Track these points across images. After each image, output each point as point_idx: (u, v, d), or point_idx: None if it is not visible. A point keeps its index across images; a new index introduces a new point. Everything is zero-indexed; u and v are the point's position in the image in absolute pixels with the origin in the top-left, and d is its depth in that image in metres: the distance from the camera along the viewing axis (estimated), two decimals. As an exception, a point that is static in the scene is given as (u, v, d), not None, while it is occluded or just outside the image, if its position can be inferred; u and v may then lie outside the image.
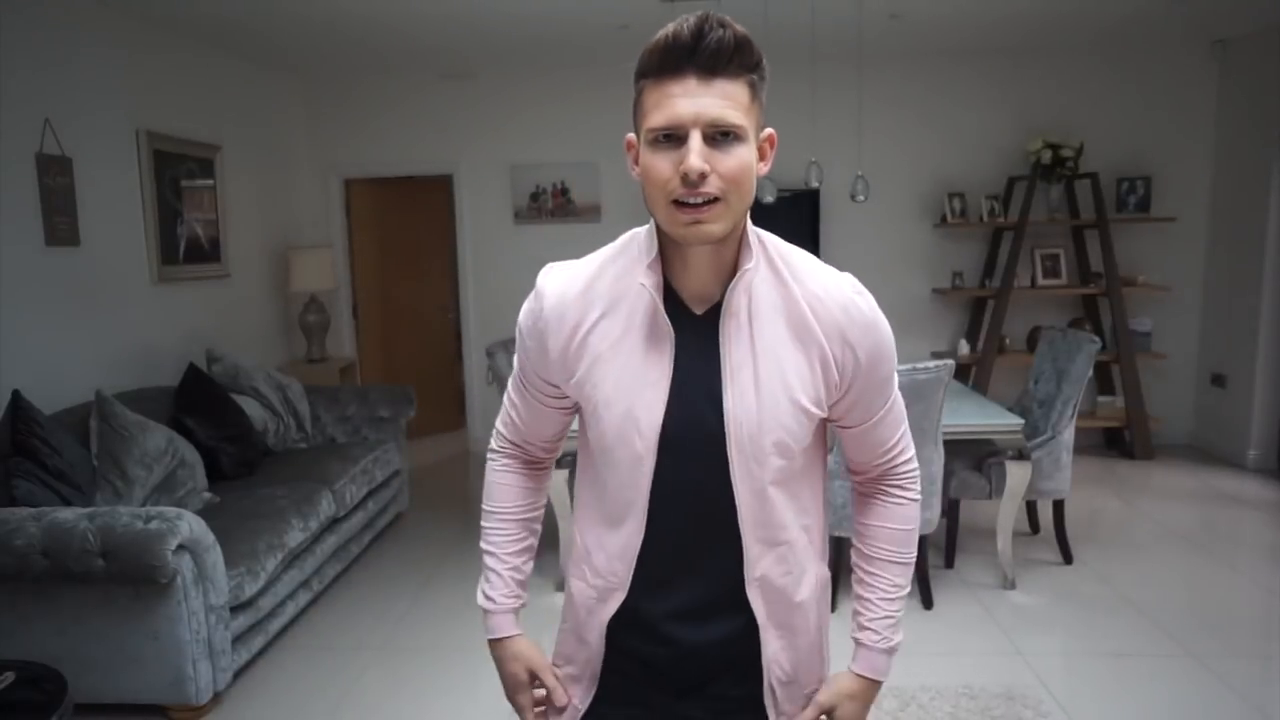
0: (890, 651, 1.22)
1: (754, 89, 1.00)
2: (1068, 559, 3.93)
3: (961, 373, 5.24)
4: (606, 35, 4.94)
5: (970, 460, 3.81)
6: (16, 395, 3.04)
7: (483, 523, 1.33)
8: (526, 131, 5.92)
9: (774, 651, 1.18)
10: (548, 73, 5.84)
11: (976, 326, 5.86)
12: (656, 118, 0.98)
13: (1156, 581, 3.73)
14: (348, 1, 4.16)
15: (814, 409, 1.09)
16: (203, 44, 4.85)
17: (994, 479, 3.72)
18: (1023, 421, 3.59)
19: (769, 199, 4.64)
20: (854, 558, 1.25)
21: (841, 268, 1.17)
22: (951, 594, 3.63)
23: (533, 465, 1.33)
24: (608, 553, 1.17)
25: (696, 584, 1.16)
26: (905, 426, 1.22)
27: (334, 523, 3.79)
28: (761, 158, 1.04)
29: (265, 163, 5.53)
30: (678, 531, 1.13)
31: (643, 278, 1.07)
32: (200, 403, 3.90)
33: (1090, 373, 3.85)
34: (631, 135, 1.05)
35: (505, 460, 1.32)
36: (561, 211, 5.98)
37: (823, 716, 1.22)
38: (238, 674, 3.00)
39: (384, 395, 4.73)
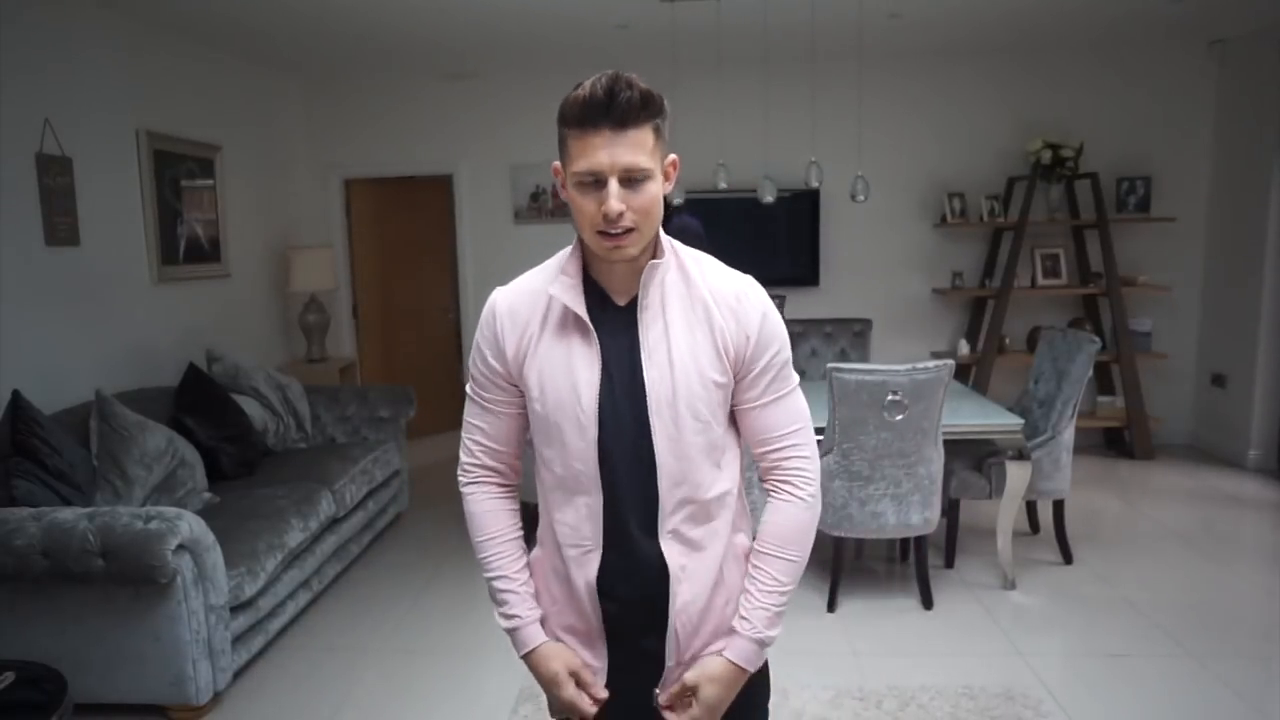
0: (761, 643, 1.32)
1: (658, 131, 1.22)
2: (1068, 559, 3.93)
3: (961, 373, 5.24)
4: (606, 35, 4.94)
5: (970, 460, 3.81)
6: (16, 395, 3.05)
7: (478, 554, 1.41)
8: (526, 131, 5.92)
9: (682, 603, 1.31)
10: (548, 73, 5.83)
11: (976, 326, 5.86)
12: (580, 164, 1.19)
13: (1156, 581, 3.73)
14: (348, 1, 4.16)
15: (720, 378, 1.29)
16: (203, 44, 4.85)
17: (994, 479, 3.72)
18: (1023, 421, 3.59)
19: (769, 199, 4.65)
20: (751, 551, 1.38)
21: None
22: (951, 594, 3.63)
23: (505, 489, 1.44)
24: (577, 516, 1.32)
25: (634, 542, 1.31)
26: (804, 427, 1.36)
27: (334, 523, 3.79)
28: (666, 179, 1.26)
29: (265, 163, 5.53)
30: (625, 490, 1.30)
31: (553, 289, 1.29)
32: (200, 403, 3.90)
33: (1090, 373, 3.84)
34: (558, 164, 1.26)
35: (480, 488, 1.42)
36: (561, 211, 5.98)
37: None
38: (238, 674, 3.00)
39: (384, 395, 4.72)
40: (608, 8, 4.40)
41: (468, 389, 1.40)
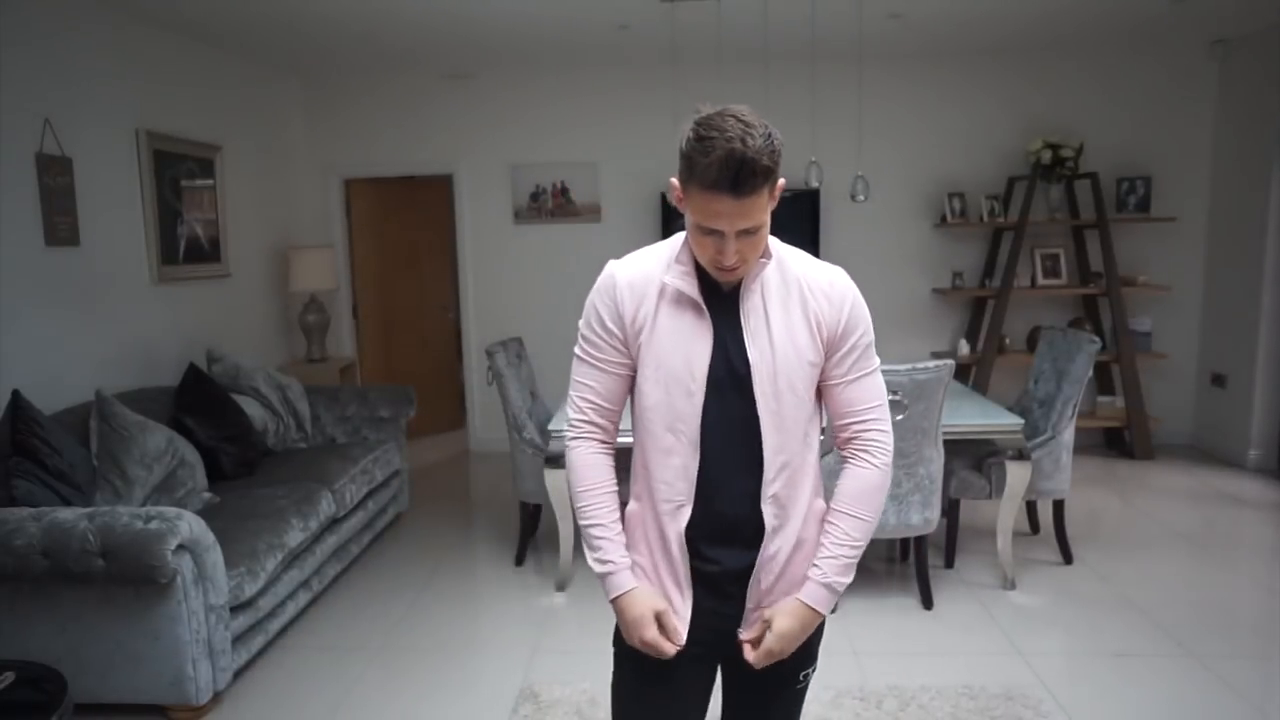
0: (830, 587, 1.46)
1: (771, 185, 1.32)
2: (1068, 559, 3.93)
3: (961, 373, 5.24)
4: (606, 35, 4.94)
5: (970, 460, 3.81)
6: (16, 395, 3.04)
7: (577, 503, 1.52)
8: (526, 131, 5.92)
9: (768, 555, 1.46)
10: (548, 73, 5.84)
11: (976, 326, 5.86)
12: (702, 219, 1.33)
13: (1156, 581, 3.73)
14: (348, 2, 4.16)
15: (813, 358, 1.44)
16: (203, 44, 4.85)
17: (994, 479, 3.72)
18: (1023, 421, 3.59)
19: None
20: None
21: (842, 267, 1.48)
22: (951, 594, 3.63)
23: (606, 445, 1.55)
24: (673, 474, 1.45)
25: (726, 501, 1.46)
26: (883, 404, 1.50)
27: (334, 523, 3.79)
28: (772, 198, 1.36)
29: (265, 163, 5.53)
30: (719, 454, 1.44)
31: (668, 277, 1.44)
32: (200, 403, 3.90)
33: (1090, 373, 3.84)
34: (675, 181, 1.38)
35: (586, 443, 1.54)
36: (561, 211, 5.98)
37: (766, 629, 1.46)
38: (238, 674, 3.00)
39: (384, 395, 4.72)
40: (608, 8, 4.40)
41: (576, 351, 1.52)
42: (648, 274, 1.47)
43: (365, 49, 5.15)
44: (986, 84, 5.73)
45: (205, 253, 4.80)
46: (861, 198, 4.64)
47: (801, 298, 1.44)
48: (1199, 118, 5.65)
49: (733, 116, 1.28)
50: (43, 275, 3.62)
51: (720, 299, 1.45)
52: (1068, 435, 3.83)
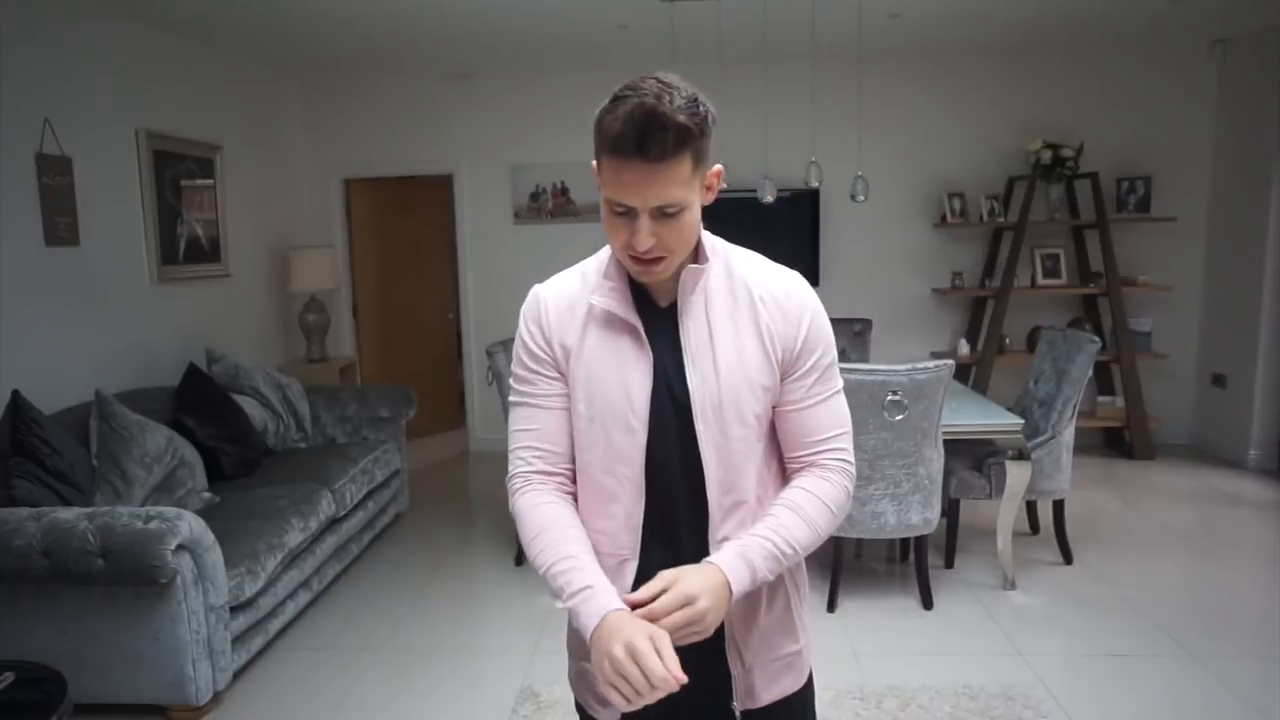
0: (749, 563, 1.16)
1: (697, 156, 1.14)
2: (1068, 559, 3.93)
3: (961, 373, 5.24)
4: (606, 35, 4.94)
5: (970, 460, 3.80)
6: (16, 395, 3.04)
7: (533, 551, 1.23)
8: (526, 131, 5.92)
9: (735, 613, 1.24)
10: (548, 73, 5.84)
11: (976, 326, 5.86)
12: (611, 193, 1.15)
13: (1156, 581, 3.73)
14: (348, 2, 4.16)
15: (767, 381, 1.24)
16: (203, 44, 4.85)
17: (994, 479, 3.72)
18: (1023, 421, 3.59)
19: (769, 199, 4.64)
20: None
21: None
22: (951, 594, 3.63)
23: (563, 492, 1.28)
24: (614, 524, 1.25)
25: (671, 550, 1.25)
26: (847, 432, 1.29)
27: (334, 523, 3.79)
28: (709, 190, 1.20)
29: (265, 163, 5.53)
30: (668, 498, 1.25)
31: (595, 297, 1.25)
32: (200, 403, 3.90)
33: (1090, 373, 3.85)
34: (595, 163, 1.19)
35: (534, 491, 1.27)
36: (561, 211, 5.98)
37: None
38: (238, 674, 3.00)
39: (384, 395, 4.72)
40: (608, 8, 4.40)
41: (510, 396, 1.32)
42: (574, 294, 1.28)
43: (365, 49, 5.15)
44: (986, 84, 5.73)
45: (205, 253, 4.80)
46: (861, 198, 4.64)
47: (752, 309, 1.24)
48: (1199, 118, 5.65)
49: (654, 79, 1.13)
50: (43, 275, 3.62)
51: (659, 316, 1.25)
52: (1068, 435, 3.83)
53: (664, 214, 1.14)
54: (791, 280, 1.29)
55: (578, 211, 5.95)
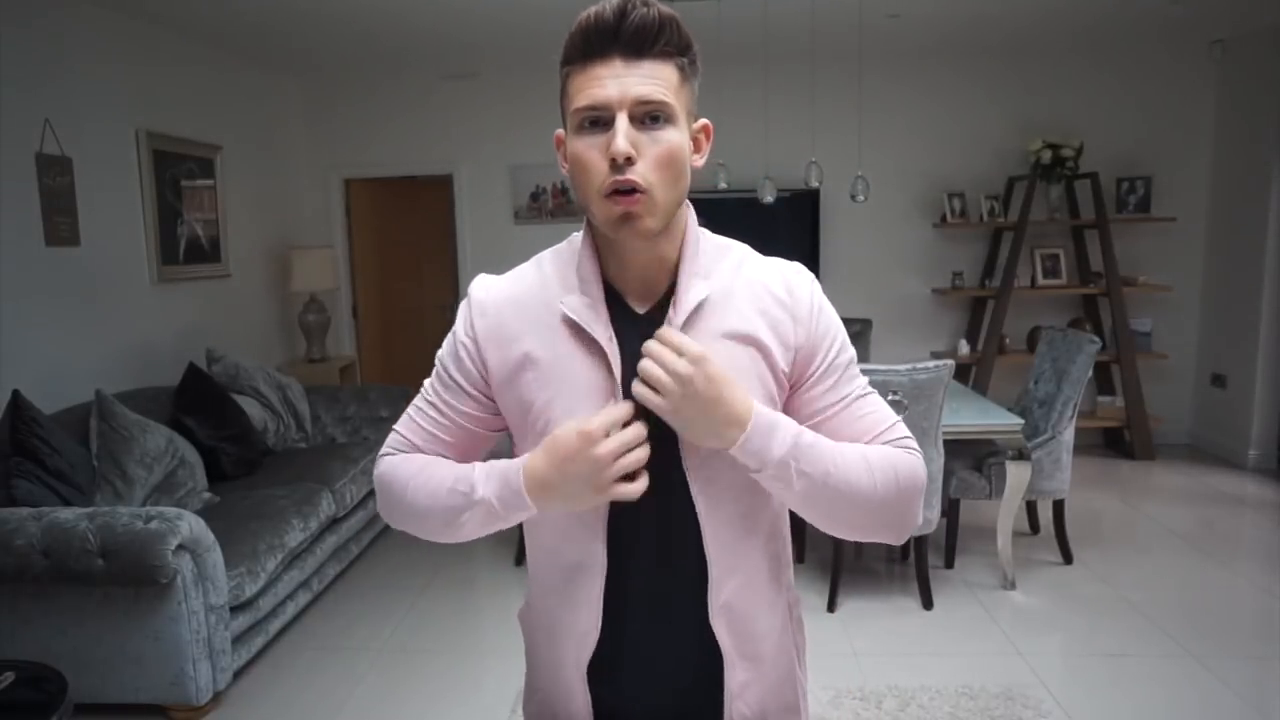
0: (771, 426, 0.94)
1: (684, 73, 0.97)
2: (1068, 559, 3.93)
3: (961, 373, 5.24)
4: (606, 35, 4.94)
5: (970, 460, 3.81)
6: (16, 395, 3.04)
7: (411, 493, 1.06)
8: (526, 131, 5.92)
9: (739, 685, 1.05)
10: (548, 73, 5.73)
11: (976, 326, 5.86)
12: (581, 100, 0.95)
13: (1156, 581, 3.73)
14: (348, 2, 4.16)
15: (766, 404, 1.00)
16: (203, 44, 4.85)
17: (994, 479, 3.72)
18: (1023, 421, 3.59)
19: (769, 199, 4.64)
20: None
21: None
22: (951, 594, 3.63)
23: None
24: (573, 601, 1.05)
25: (660, 624, 1.05)
26: (898, 423, 1.07)
27: (334, 523, 3.79)
28: (697, 149, 1.01)
29: (265, 163, 5.53)
30: (641, 564, 1.03)
31: (568, 304, 1.02)
32: (200, 403, 3.90)
33: (1090, 373, 3.85)
34: (560, 131, 1.01)
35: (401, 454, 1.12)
36: (561, 211, 5.98)
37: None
38: (238, 674, 3.00)
39: (384, 395, 4.73)
40: (608, 8, 4.40)
41: (424, 387, 1.15)
42: (533, 302, 1.05)
43: (365, 49, 5.15)
44: (986, 84, 5.73)
45: (205, 253, 4.80)
46: (861, 198, 4.64)
47: (749, 317, 1.02)
48: (1199, 118, 5.65)
49: None
50: (43, 275, 3.62)
51: (630, 326, 1.01)
52: (1068, 435, 3.83)
53: (647, 120, 0.94)
54: (791, 271, 1.08)
55: (578, 211, 5.93)
